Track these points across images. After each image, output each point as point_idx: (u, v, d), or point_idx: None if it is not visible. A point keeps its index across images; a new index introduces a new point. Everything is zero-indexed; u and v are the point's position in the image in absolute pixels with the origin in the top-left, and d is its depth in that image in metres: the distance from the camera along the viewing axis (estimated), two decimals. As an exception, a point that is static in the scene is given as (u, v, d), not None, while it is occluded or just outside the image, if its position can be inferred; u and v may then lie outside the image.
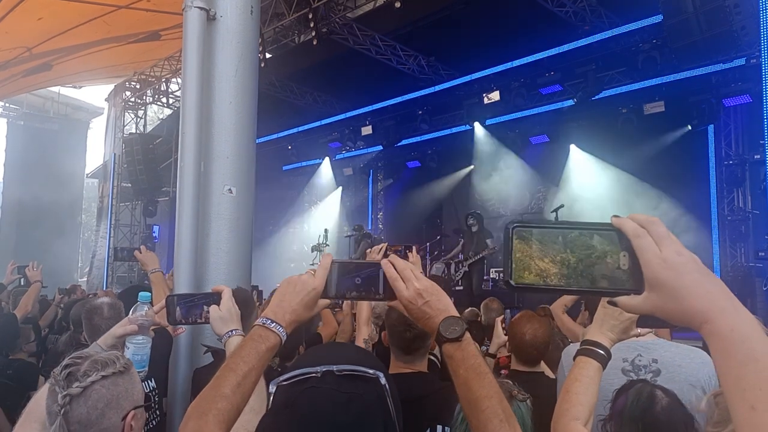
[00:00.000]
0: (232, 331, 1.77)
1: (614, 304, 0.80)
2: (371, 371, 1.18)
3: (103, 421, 1.36)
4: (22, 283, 5.36)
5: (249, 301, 2.82)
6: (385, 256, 3.42)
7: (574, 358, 1.51)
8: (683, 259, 0.74)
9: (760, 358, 0.68)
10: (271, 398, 1.14)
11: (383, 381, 1.19)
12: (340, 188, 16.38)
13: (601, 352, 1.46)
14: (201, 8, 3.05)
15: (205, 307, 1.79)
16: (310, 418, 0.96)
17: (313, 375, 1.14)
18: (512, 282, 0.80)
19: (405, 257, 3.53)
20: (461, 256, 10.41)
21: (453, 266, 11.17)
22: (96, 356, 1.44)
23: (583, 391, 1.41)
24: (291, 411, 0.99)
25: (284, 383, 1.16)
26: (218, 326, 1.79)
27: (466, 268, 9.98)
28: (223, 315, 1.79)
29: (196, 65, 3.01)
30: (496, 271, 11.05)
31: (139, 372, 1.58)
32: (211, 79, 3.13)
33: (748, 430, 0.67)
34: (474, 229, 9.95)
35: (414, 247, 3.56)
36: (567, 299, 3.76)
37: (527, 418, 1.80)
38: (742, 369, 0.68)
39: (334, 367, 1.14)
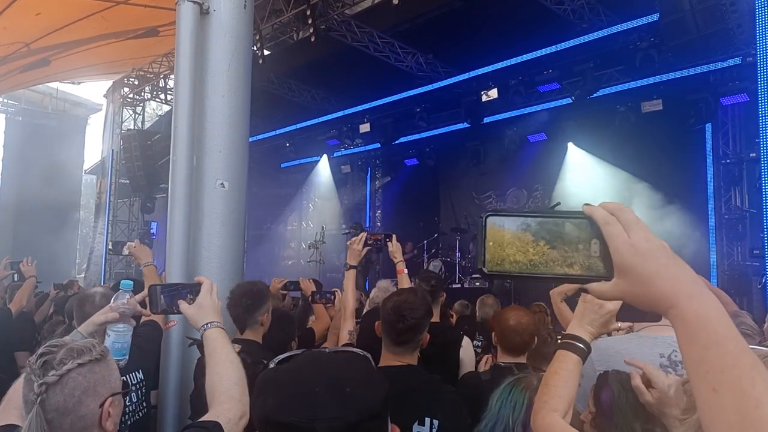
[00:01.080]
0: (208, 323, 1.76)
1: (585, 290, 0.82)
2: (361, 352, 1.22)
3: (80, 408, 1.36)
4: (16, 279, 5.37)
5: (261, 294, 2.82)
6: (366, 244, 3.40)
7: (554, 352, 1.52)
8: (651, 245, 0.75)
9: (722, 342, 0.69)
10: None
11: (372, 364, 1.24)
12: (338, 186, 16.37)
13: (581, 345, 1.48)
14: (194, 2, 3.05)
15: (189, 296, 1.80)
16: (309, 368, 1.03)
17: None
18: (485, 269, 0.82)
19: (385, 245, 3.50)
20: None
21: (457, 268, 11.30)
22: (72, 344, 1.43)
23: (562, 384, 1.43)
24: (291, 364, 1.06)
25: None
26: (194, 319, 1.79)
27: None
28: (200, 306, 1.78)
29: (189, 59, 3.02)
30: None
31: (119, 360, 1.58)
32: (204, 73, 3.14)
33: (710, 412, 0.68)
34: None
35: (394, 236, 3.50)
36: (567, 287, 3.71)
37: None
38: (705, 352, 0.69)
39: (327, 349, 1.19)
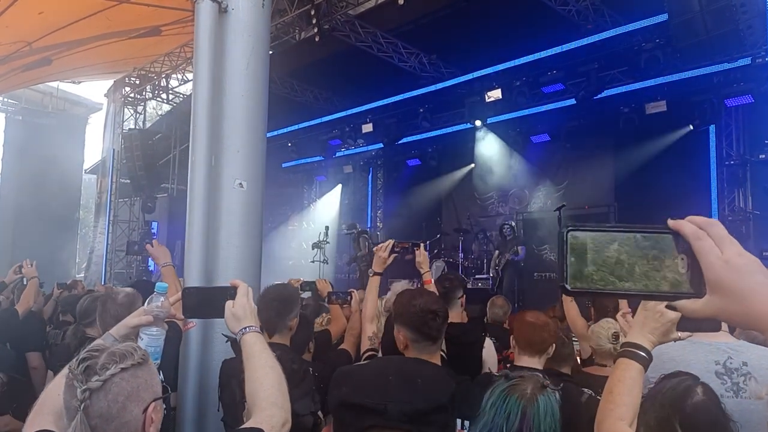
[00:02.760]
0: (246, 328, 1.73)
1: (673, 308, 0.79)
2: None
3: (124, 414, 1.33)
4: (24, 283, 5.37)
5: (292, 298, 2.78)
6: (392, 251, 3.38)
7: (615, 361, 1.51)
8: (745, 260, 0.73)
9: None
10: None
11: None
12: (340, 186, 16.35)
13: (643, 354, 1.46)
14: (213, 0, 3.02)
15: (223, 300, 1.77)
16: (382, 363, 1.06)
17: None
18: (568, 286, 0.79)
19: (412, 254, 3.47)
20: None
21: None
22: (113, 348, 1.40)
23: (626, 392, 1.41)
24: (364, 363, 1.10)
25: None
26: (231, 323, 1.75)
27: (500, 273, 10.53)
28: (236, 312, 1.74)
29: (207, 58, 2.99)
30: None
31: None
32: (222, 73, 3.10)
33: None
34: (509, 237, 10.62)
35: (422, 244, 3.47)
36: None
37: (557, 409, 1.79)
38: None
39: None
